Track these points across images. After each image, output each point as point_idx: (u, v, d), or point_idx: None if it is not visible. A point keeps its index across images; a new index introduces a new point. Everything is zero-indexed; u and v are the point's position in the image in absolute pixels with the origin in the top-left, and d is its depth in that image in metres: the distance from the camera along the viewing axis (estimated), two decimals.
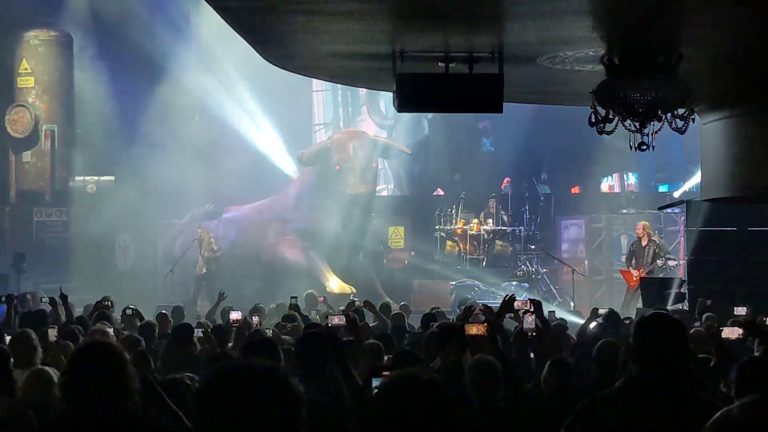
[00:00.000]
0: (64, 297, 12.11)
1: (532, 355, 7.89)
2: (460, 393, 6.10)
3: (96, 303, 12.72)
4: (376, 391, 2.81)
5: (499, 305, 8.61)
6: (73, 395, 4.06)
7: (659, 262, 18.92)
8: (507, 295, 9.70)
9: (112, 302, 12.33)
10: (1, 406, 5.56)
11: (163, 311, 12.95)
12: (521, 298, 11.15)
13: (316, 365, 5.71)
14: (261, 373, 2.56)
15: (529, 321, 7.40)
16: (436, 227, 23.65)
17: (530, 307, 8.31)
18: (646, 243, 18.72)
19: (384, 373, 4.66)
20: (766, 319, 10.79)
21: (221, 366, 2.62)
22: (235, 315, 10.39)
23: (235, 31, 8.98)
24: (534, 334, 7.34)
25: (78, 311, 14.15)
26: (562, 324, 11.27)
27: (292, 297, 13.41)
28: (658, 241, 19.37)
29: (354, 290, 20.72)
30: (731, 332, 7.12)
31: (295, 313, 12.01)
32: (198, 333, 9.57)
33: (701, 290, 15.83)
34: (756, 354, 7.16)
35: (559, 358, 6.95)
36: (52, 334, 8.41)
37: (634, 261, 18.68)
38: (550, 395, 6.72)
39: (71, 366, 4.16)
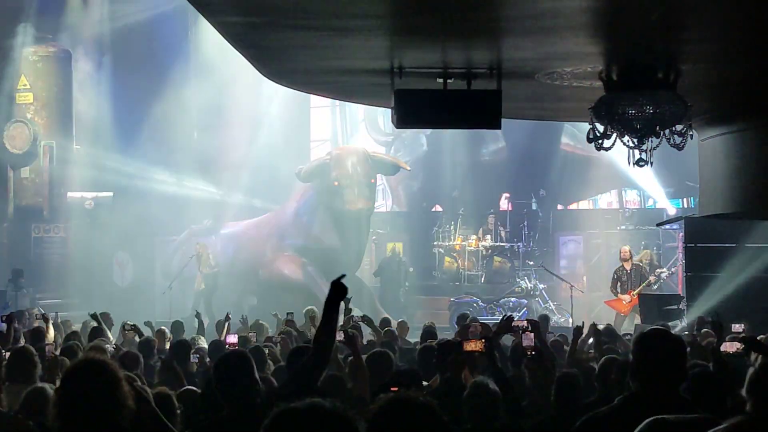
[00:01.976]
0: (45, 317, 12.10)
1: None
2: (457, 411, 6.07)
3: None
4: (372, 411, 2.76)
5: (497, 322, 8.64)
6: (67, 413, 4.03)
7: (652, 278, 18.93)
8: (506, 314, 9.70)
9: (99, 320, 12.26)
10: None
11: (162, 327, 12.94)
12: (520, 317, 11.16)
13: (306, 375, 5.70)
14: (328, 414, 2.52)
15: (529, 339, 7.37)
16: (435, 243, 23.63)
17: (528, 327, 8.29)
18: (630, 267, 18.74)
19: (392, 389, 4.62)
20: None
21: (289, 406, 2.57)
22: (231, 339, 10.37)
23: (234, 47, 8.98)
24: (533, 352, 7.31)
25: (76, 327, 14.17)
26: (560, 340, 11.25)
27: (288, 313, 13.43)
28: (642, 263, 19.42)
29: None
30: (730, 347, 7.10)
31: (290, 329, 12.01)
32: (194, 359, 9.56)
33: (700, 307, 15.80)
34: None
35: (566, 374, 6.92)
36: (50, 350, 8.39)
37: (620, 286, 18.67)
38: (557, 412, 6.69)
39: (65, 383, 4.12)
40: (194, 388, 6.97)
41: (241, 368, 5.20)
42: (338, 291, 5.10)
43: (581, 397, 6.84)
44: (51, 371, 7.40)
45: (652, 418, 3.18)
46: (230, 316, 13.07)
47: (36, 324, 12.43)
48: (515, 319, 9.46)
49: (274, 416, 2.55)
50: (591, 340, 10.66)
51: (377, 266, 23.57)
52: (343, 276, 5.14)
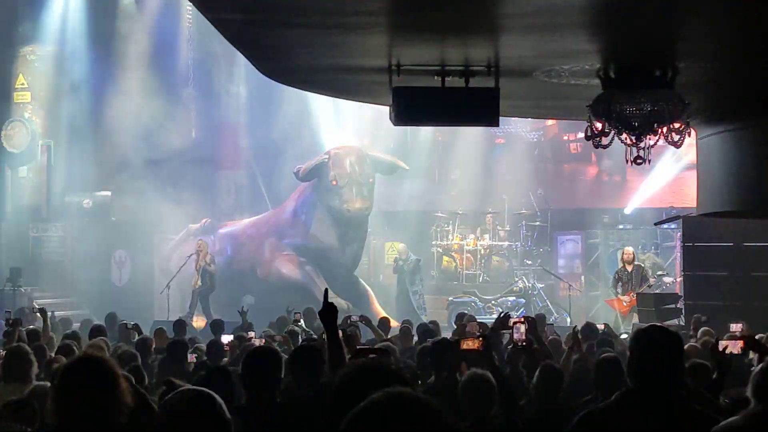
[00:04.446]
0: (43, 311, 12.12)
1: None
2: (453, 410, 6.08)
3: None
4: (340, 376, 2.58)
5: (494, 321, 8.65)
6: (64, 409, 4.01)
7: (652, 280, 18.95)
8: (502, 311, 9.70)
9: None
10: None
11: (160, 326, 12.95)
12: (518, 316, 11.15)
13: (310, 372, 5.73)
14: (417, 403, 2.40)
15: (521, 331, 7.40)
16: (433, 243, 23.63)
17: (525, 324, 8.29)
18: (631, 269, 18.78)
19: (370, 356, 4.58)
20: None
21: (376, 395, 2.41)
22: (226, 338, 10.37)
23: (232, 44, 8.98)
24: (524, 344, 7.35)
25: (75, 326, 14.18)
26: (557, 339, 11.26)
27: (295, 313, 13.46)
28: (644, 264, 19.45)
29: (350, 305, 20.68)
30: (732, 345, 7.07)
31: (296, 328, 12.03)
32: (191, 358, 9.58)
33: (697, 306, 15.82)
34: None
35: (548, 364, 6.97)
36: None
37: (620, 287, 18.71)
38: (540, 401, 6.75)
39: (62, 380, 4.11)
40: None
41: (271, 364, 5.32)
42: (328, 312, 5.07)
43: (561, 388, 6.91)
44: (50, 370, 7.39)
45: (581, 414, 3.14)
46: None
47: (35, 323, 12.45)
48: (512, 317, 9.49)
49: (363, 408, 2.38)
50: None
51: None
52: (326, 293, 5.17)
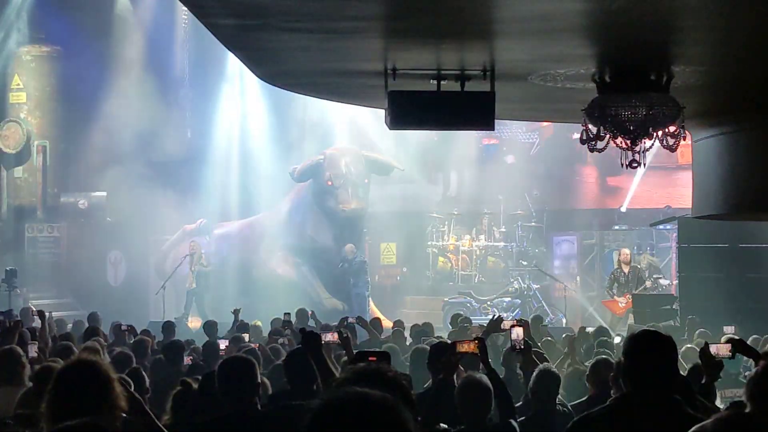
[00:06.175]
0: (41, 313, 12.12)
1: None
2: (450, 413, 6.11)
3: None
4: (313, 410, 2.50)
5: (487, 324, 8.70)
6: (58, 414, 4.02)
7: (648, 284, 18.97)
8: (495, 315, 9.76)
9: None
10: None
11: (146, 329, 12.97)
12: (513, 317, 11.22)
13: (304, 377, 5.75)
14: (376, 403, 2.40)
15: (518, 334, 7.47)
16: (429, 243, 23.65)
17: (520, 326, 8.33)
18: (628, 270, 18.81)
19: (371, 359, 4.58)
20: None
21: (335, 394, 2.46)
22: (223, 344, 10.40)
23: (227, 48, 8.99)
24: (522, 347, 7.42)
25: (68, 327, 14.18)
26: (551, 341, 11.29)
27: (285, 313, 13.48)
28: (640, 266, 19.48)
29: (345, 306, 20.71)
30: (724, 348, 7.09)
31: (284, 329, 12.06)
32: (186, 360, 9.60)
33: (692, 307, 15.83)
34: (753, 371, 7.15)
35: (546, 368, 7.02)
36: (33, 349, 8.37)
37: (617, 288, 18.72)
38: (537, 404, 6.80)
39: (56, 384, 4.11)
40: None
41: (245, 372, 5.31)
42: (311, 340, 5.64)
43: (557, 391, 6.96)
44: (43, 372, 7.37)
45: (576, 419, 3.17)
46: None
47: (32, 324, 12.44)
48: (505, 320, 9.55)
49: (321, 406, 2.41)
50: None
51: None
52: (303, 329, 5.61)
